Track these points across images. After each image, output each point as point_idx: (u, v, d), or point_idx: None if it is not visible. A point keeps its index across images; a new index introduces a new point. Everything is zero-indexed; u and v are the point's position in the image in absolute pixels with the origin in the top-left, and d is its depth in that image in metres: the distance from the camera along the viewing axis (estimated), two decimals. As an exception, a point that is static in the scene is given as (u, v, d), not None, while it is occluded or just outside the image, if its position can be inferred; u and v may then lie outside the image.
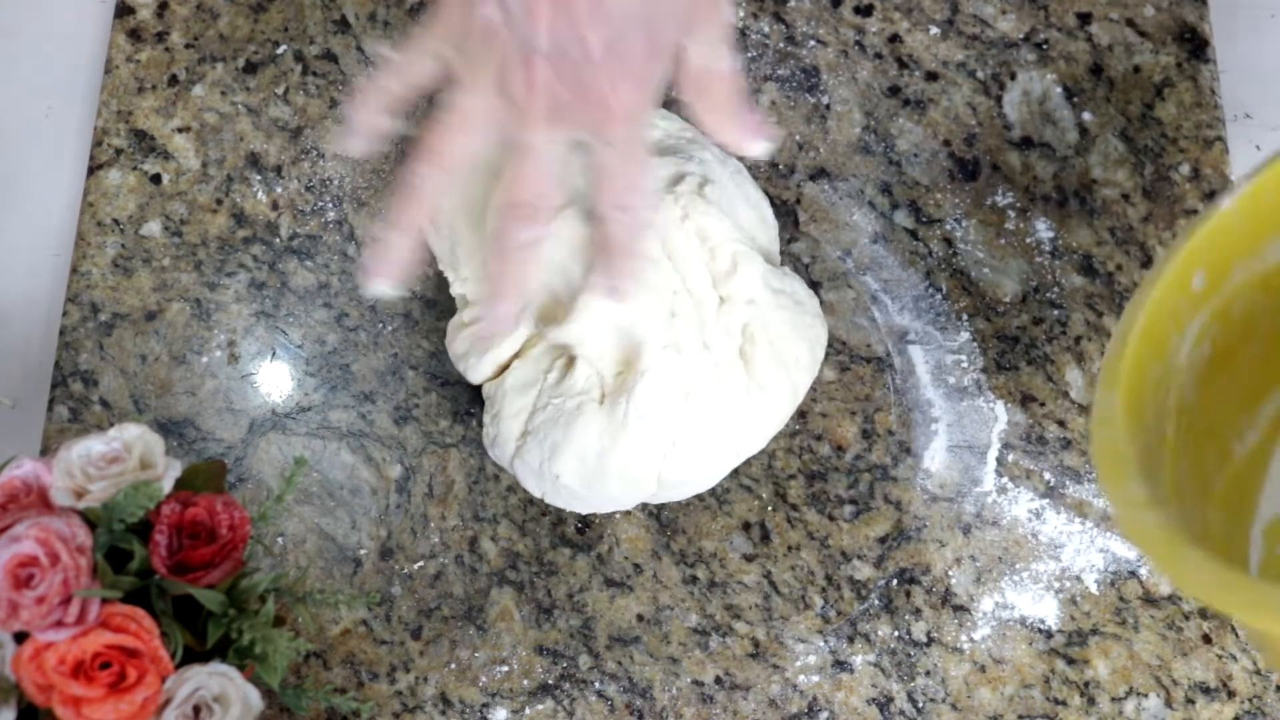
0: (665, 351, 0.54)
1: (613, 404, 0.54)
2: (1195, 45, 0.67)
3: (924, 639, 0.58)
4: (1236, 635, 0.58)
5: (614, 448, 0.54)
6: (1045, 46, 0.67)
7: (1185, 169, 0.65)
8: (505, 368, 0.58)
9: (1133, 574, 0.59)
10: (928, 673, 0.58)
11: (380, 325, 0.63)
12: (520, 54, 0.46)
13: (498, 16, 0.46)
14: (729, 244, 0.55)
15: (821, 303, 0.63)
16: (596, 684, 0.58)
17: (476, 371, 0.58)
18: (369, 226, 0.64)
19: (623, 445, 0.54)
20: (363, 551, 0.60)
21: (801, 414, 0.61)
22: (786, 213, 0.64)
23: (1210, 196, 0.64)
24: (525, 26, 0.45)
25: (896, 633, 0.58)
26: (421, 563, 0.59)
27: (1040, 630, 0.58)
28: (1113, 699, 0.57)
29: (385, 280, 0.51)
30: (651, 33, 0.47)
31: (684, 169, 0.56)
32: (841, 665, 0.58)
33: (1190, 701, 0.57)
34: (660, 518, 0.60)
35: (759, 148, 0.52)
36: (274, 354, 0.63)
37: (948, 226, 0.64)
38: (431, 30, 0.49)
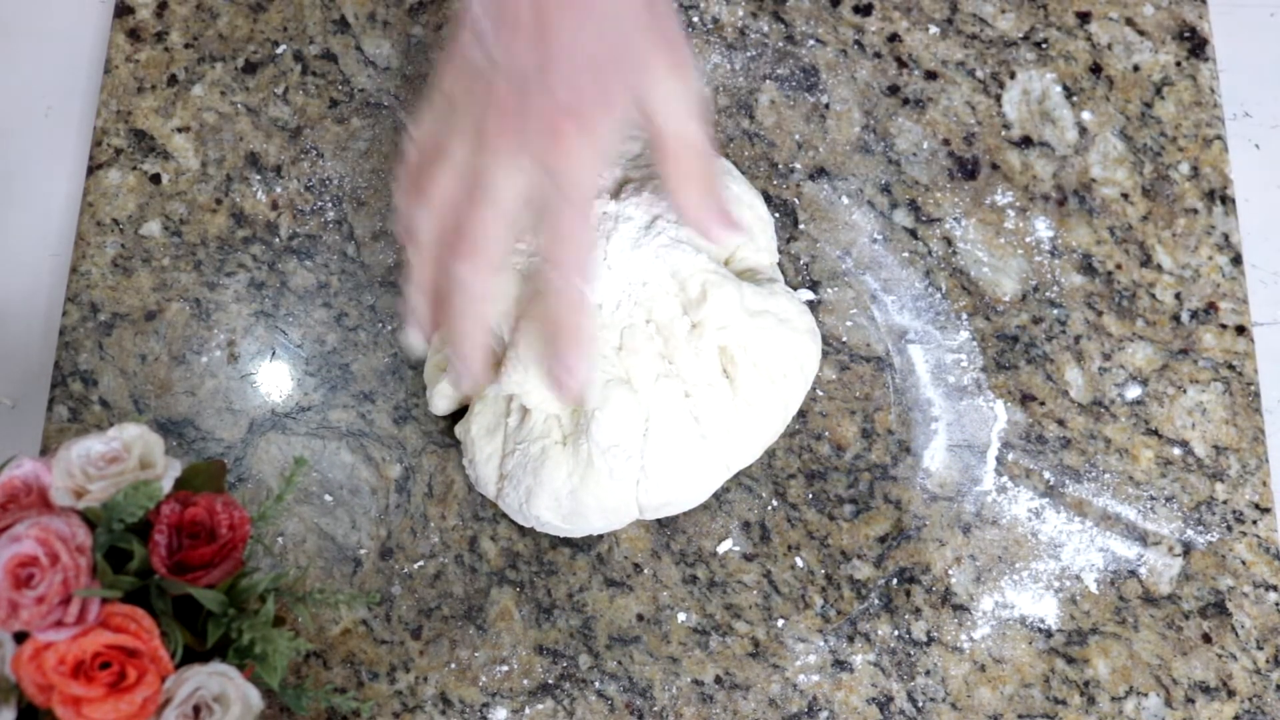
0: (611, 386, 0.54)
1: (574, 443, 0.55)
2: (1194, 44, 0.67)
3: (924, 638, 0.58)
4: (1237, 635, 0.58)
5: (584, 485, 0.55)
6: (1044, 45, 0.67)
7: (1185, 168, 0.65)
8: (464, 405, 0.59)
9: (1132, 573, 0.59)
10: (927, 672, 0.58)
11: (380, 325, 0.63)
12: (484, 77, 0.47)
13: (471, 43, 0.48)
14: (699, 275, 0.55)
15: (821, 302, 0.63)
16: (596, 683, 0.58)
17: (433, 405, 0.59)
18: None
19: (592, 482, 0.55)
20: (363, 551, 0.60)
21: (801, 413, 0.61)
22: (786, 212, 0.64)
23: (1210, 195, 0.64)
24: (492, 45, 0.47)
25: (896, 632, 0.58)
26: (421, 562, 0.59)
27: (1040, 629, 0.58)
28: (1112, 698, 0.57)
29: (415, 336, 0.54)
30: (599, 77, 0.47)
31: (656, 210, 0.56)
32: (841, 665, 0.58)
33: (1190, 701, 0.57)
34: (660, 518, 0.60)
35: (727, 238, 0.52)
36: (274, 354, 0.63)
37: (947, 226, 0.64)
38: (431, 100, 0.51)
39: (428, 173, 0.49)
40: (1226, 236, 0.64)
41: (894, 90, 0.67)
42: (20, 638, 0.43)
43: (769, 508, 0.60)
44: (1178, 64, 0.67)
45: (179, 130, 0.66)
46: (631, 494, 0.56)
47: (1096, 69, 0.67)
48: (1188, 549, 0.59)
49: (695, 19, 0.67)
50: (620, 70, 0.48)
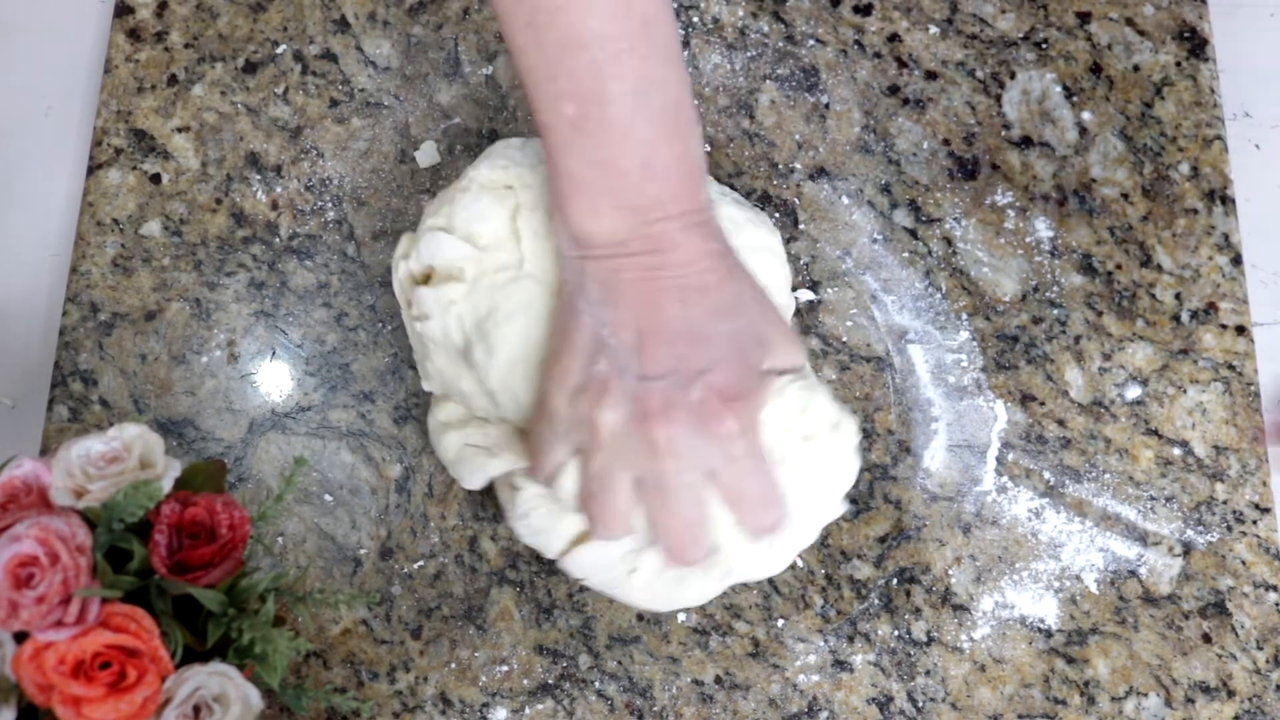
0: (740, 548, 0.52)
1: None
2: (1194, 44, 0.67)
3: (924, 638, 0.58)
4: (1236, 635, 0.58)
5: (677, 586, 0.54)
6: (1044, 45, 0.67)
7: (1184, 168, 0.65)
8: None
9: (1132, 573, 0.59)
10: (927, 672, 0.58)
11: (380, 325, 0.63)
12: (634, 394, 0.48)
13: (592, 359, 0.48)
14: (789, 388, 0.52)
15: (821, 302, 0.63)
16: (596, 683, 0.58)
17: (467, 482, 0.57)
18: None
19: (683, 584, 0.54)
20: (363, 551, 0.60)
21: (801, 413, 0.61)
22: (786, 212, 0.64)
23: (1210, 195, 0.64)
24: (624, 357, 0.48)
25: (896, 632, 0.58)
26: (421, 562, 0.59)
27: (1040, 630, 0.58)
28: (1112, 698, 0.57)
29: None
30: (740, 351, 0.49)
31: None
32: (841, 665, 0.58)
33: (1190, 701, 0.57)
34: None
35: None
36: (274, 354, 0.63)
37: (947, 226, 0.64)
38: (552, 435, 0.51)
39: (606, 506, 0.50)
40: (1226, 236, 0.64)
41: (894, 90, 0.67)
42: (20, 638, 0.43)
43: (769, 508, 0.60)
44: (1178, 64, 0.67)
45: (179, 130, 0.66)
46: (721, 584, 0.54)
47: (1096, 69, 0.67)
48: (1188, 549, 0.59)
49: (695, 19, 0.67)
50: (757, 347, 0.50)
